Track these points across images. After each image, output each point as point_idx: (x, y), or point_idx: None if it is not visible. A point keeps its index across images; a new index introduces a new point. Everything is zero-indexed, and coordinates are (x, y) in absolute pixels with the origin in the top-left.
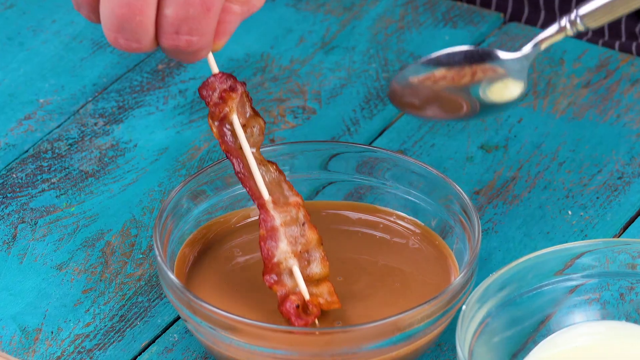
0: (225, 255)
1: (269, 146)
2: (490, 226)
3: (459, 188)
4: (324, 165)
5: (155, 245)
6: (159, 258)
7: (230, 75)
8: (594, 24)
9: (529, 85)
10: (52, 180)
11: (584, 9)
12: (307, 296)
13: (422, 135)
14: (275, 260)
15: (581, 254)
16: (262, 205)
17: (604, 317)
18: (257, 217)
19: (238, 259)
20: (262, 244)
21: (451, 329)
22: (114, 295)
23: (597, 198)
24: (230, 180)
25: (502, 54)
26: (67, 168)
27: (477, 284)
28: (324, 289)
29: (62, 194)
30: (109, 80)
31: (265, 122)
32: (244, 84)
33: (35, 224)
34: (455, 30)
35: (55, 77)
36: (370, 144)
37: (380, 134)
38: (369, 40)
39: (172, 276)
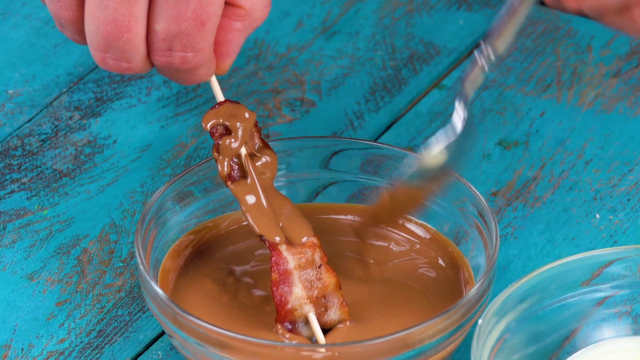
0: (214, 264)
1: None
2: (509, 231)
3: (474, 189)
4: (324, 164)
5: (137, 252)
6: (141, 267)
7: (237, 104)
8: (502, 48)
9: (553, 75)
10: (22, 181)
11: (492, 39)
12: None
13: (433, 131)
14: (289, 306)
15: (610, 262)
16: (274, 247)
17: (636, 333)
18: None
19: (229, 269)
20: (275, 289)
21: (466, 346)
22: (91, 308)
23: (628, 200)
24: (220, 181)
25: (437, 140)
26: (39, 167)
27: (494, 296)
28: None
29: (33, 196)
30: (86, 69)
31: (276, 156)
32: (253, 112)
33: (3, 229)
34: (470, 13)
35: (25, 66)
36: (375, 140)
37: (387, 129)
38: (375, 24)
39: (156, 287)
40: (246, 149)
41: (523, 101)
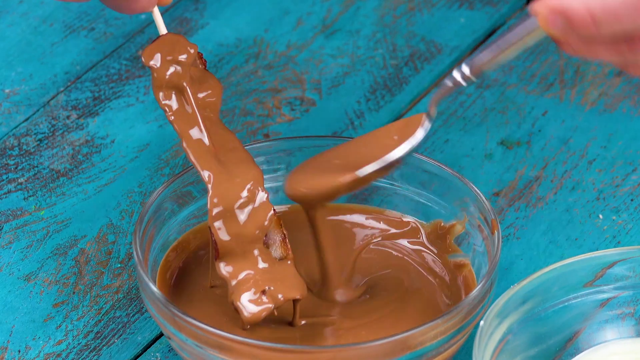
0: (213, 265)
1: (263, 142)
2: (512, 232)
3: (476, 189)
4: None
5: (135, 253)
6: (139, 268)
7: (179, 36)
8: (484, 73)
9: (555, 73)
10: (19, 180)
11: (476, 62)
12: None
13: (434, 130)
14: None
15: (613, 263)
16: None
17: (639, 334)
18: None
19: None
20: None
21: (468, 348)
22: (88, 309)
23: (632, 200)
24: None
25: (394, 154)
26: (36, 167)
27: (496, 297)
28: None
29: (30, 196)
30: (83, 68)
31: (221, 86)
32: (195, 45)
33: (0, 230)
34: (472, 11)
35: (22, 65)
36: None
37: None
38: (375, 23)
39: (154, 288)
40: (187, 83)
41: (525, 100)
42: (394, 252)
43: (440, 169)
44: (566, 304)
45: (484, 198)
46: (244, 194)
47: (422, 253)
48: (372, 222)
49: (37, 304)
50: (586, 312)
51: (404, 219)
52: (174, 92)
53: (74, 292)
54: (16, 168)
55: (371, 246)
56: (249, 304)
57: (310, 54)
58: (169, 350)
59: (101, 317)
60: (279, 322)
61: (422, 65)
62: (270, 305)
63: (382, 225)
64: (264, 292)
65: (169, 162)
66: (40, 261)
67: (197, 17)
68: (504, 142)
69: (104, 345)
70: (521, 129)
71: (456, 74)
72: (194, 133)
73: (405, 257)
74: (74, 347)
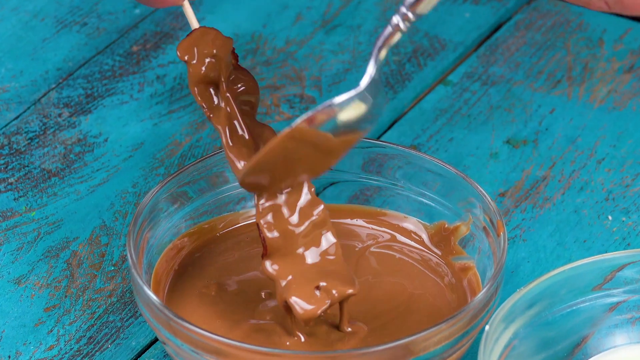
0: (210, 268)
1: None
2: (518, 233)
3: (481, 189)
4: None
5: (129, 255)
6: (133, 270)
7: (213, 30)
8: (425, 10)
9: (563, 70)
10: (9, 180)
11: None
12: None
13: (438, 128)
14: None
15: (623, 266)
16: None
17: None
18: (246, 223)
19: (225, 272)
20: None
21: (472, 353)
22: (81, 313)
23: None
24: (216, 181)
25: (337, 99)
26: (27, 166)
27: (502, 301)
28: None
29: (21, 197)
30: (75, 64)
31: (257, 83)
32: (230, 38)
33: None
34: (477, 6)
35: (12, 61)
36: (378, 138)
37: (390, 127)
38: (377, 17)
39: (149, 291)
40: (224, 77)
41: (532, 98)
42: (396, 255)
43: (444, 168)
44: (574, 308)
45: (489, 199)
46: (290, 188)
47: (426, 255)
48: (373, 224)
49: (28, 308)
50: (595, 316)
51: (407, 221)
52: (210, 88)
53: (65, 296)
54: (6, 167)
55: (372, 249)
56: (302, 302)
57: (310, 49)
58: (164, 356)
59: (94, 321)
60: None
61: (425, 62)
62: (327, 301)
63: (384, 227)
64: (317, 287)
65: (164, 162)
66: (31, 264)
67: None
68: (510, 141)
69: (96, 351)
70: (528, 128)
71: (395, 18)
72: (233, 129)
73: (408, 260)
74: (65, 353)
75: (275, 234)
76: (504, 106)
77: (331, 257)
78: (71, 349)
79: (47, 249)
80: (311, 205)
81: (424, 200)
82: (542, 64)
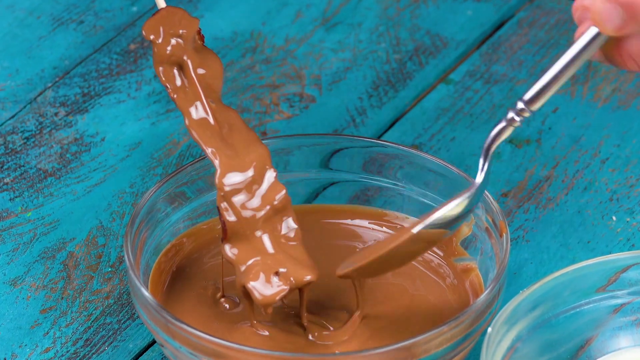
0: (208, 269)
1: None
2: (521, 234)
3: None
4: (324, 163)
5: (126, 256)
6: (130, 272)
7: (179, 9)
8: (538, 106)
9: None
10: (5, 180)
11: (528, 95)
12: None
13: (440, 128)
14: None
15: (627, 267)
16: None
17: None
18: None
19: (224, 274)
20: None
21: (475, 356)
22: (77, 315)
23: None
24: (215, 181)
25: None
26: (23, 166)
27: (504, 303)
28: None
29: (16, 197)
30: (72, 62)
31: (222, 63)
32: (196, 19)
33: None
34: (479, 3)
35: (8, 59)
36: (379, 138)
37: (391, 126)
38: (378, 15)
39: (147, 293)
40: (189, 58)
41: None
42: None
43: (446, 168)
44: (578, 310)
45: (491, 199)
46: (252, 172)
47: (427, 256)
48: (374, 225)
49: (24, 310)
50: (599, 318)
51: (408, 221)
52: (175, 68)
53: (62, 298)
54: (2, 167)
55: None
56: (261, 287)
57: (309, 47)
58: (162, 359)
59: (91, 323)
60: (284, 327)
61: (427, 60)
62: (285, 287)
63: (384, 228)
64: (276, 273)
65: (161, 162)
66: (26, 265)
67: (191, 9)
68: (512, 141)
69: (93, 353)
70: (531, 127)
71: (510, 113)
72: (198, 111)
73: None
74: (62, 355)
75: (235, 217)
76: (506, 105)
77: (292, 243)
78: (67, 352)
79: (43, 250)
80: (273, 190)
81: (426, 200)
82: (546, 62)
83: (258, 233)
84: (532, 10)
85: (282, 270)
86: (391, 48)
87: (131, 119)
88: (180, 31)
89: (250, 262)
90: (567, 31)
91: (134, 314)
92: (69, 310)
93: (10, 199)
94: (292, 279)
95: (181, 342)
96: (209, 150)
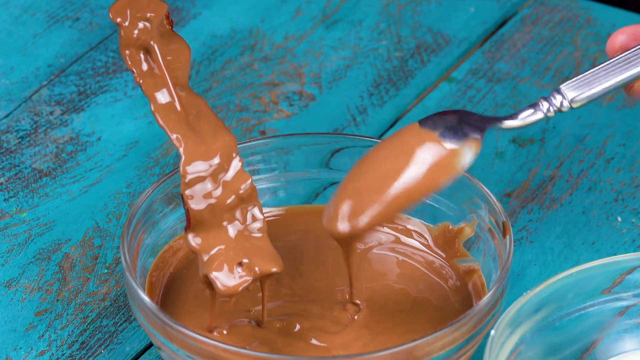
0: None
1: (259, 139)
2: (524, 235)
3: (486, 189)
4: (325, 163)
5: (123, 258)
6: (127, 273)
7: None
8: (580, 105)
9: (571, 66)
10: None
11: (574, 94)
12: None
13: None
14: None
15: (633, 269)
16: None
17: None
18: None
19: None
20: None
21: (477, 359)
22: (73, 318)
23: None
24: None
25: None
26: (18, 166)
27: (508, 305)
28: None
29: (11, 197)
30: (68, 60)
31: (189, 48)
32: (164, 3)
33: None
34: (482, 1)
35: (2, 57)
36: (380, 137)
37: (392, 125)
38: (379, 12)
39: (144, 295)
40: (156, 42)
41: (539, 95)
42: (399, 257)
43: None
44: (582, 312)
45: (494, 199)
46: (218, 160)
47: (429, 258)
48: None
49: (19, 312)
50: (604, 320)
51: (410, 222)
52: (142, 52)
53: (57, 300)
54: None
55: (375, 251)
56: (224, 277)
57: (309, 45)
58: None
59: (87, 326)
60: (283, 330)
61: (429, 58)
62: (248, 278)
63: (386, 229)
64: (240, 264)
65: (159, 161)
66: (21, 266)
67: (189, 6)
68: (516, 140)
69: (89, 356)
70: (534, 126)
71: (545, 104)
72: (163, 96)
73: (411, 263)
74: (58, 358)
75: (200, 206)
76: (509, 104)
77: (257, 235)
78: (63, 355)
79: (39, 251)
80: (238, 178)
81: (428, 200)
82: (549, 60)
83: (223, 222)
84: (535, 8)
85: (245, 260)
86: (392, 46)
87: (128, 118)
88: (148, 15)
89: (213, 251)
90: (571, 28)
91: (131, 316)
92: (65, 313)
93: (4, 200)
94: (257, 269)
95: (179, 345)
96: (174, 137)
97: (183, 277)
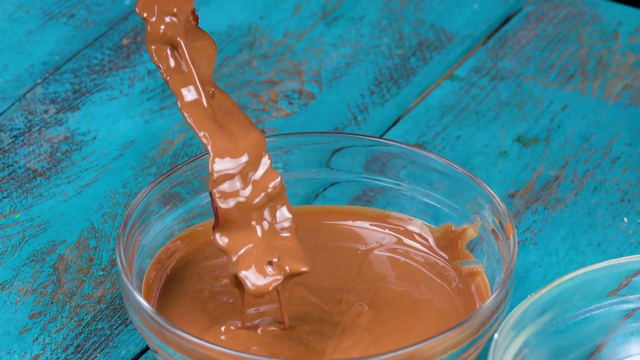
0: (204, 273)
1: None
2: (529, 236)
3: (490, 190)
4: (325, 162)
5: (118, 260)
6: (123, 276)
7: None
8: None
9: (576, 64)
10: None
11: None
12: None
13: (445, 126)
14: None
15: (639, 271)
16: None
17: None
18: None
19: (219, 278)
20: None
21: None
22: (68, 321)
23: None
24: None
25: None
26: (11, 165)
27: (512, 308)
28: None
29: (4, 197)
30: (62, 58)
31: (215, 43)
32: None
33: None
34: None
35: None
36: (381, 136)
37: (393, 124)
38: (380, 9)
39: (140, 298)
40: (182, 38)
41: (543, 93)
42: (401, 259)
43: (450, 168)
44: (588, 315)
45: (498, 200)
46: (246, 158)
47: (432, 259)
48: (376, 227)
49: (12, 315)
50: (610, 323)
51: (412, 223)
52: (168, 48)
53: (52, 302)
54: None
55: (376, 252)
56: (253, 276)
57: (309, 42)
58: None
59: (82, 329)
60: (282, 333)
61: (431, 55)
62: (278, 277)
63: (387, 230)
64: (270, 263)
65: (155, 161)
66: (15, 268)
67: None
68: (520, 139)
69: None
70: (539, 125)
71: None
72: (190, 93)
73: (413, 264)
74: None
75: (229, 204)
76: (513, 102)
77: (285, 234)
78: (57, 358)
79: (33, 252)
80: (267, 177)
81: (430, 201)
82: (554, 57)
83: (251, 221)
84: (540, 4)
85: (275, 259)
86: (394, 43)
87: (124, 117)
88: (175, 9)
89: (242, 251)
90: (576, 25)
91: (127, 319)
92: (59, 316)
93: None
94: (287, 268)
95: (176, 349)
96: (201, 134)
97: (180, 279)
